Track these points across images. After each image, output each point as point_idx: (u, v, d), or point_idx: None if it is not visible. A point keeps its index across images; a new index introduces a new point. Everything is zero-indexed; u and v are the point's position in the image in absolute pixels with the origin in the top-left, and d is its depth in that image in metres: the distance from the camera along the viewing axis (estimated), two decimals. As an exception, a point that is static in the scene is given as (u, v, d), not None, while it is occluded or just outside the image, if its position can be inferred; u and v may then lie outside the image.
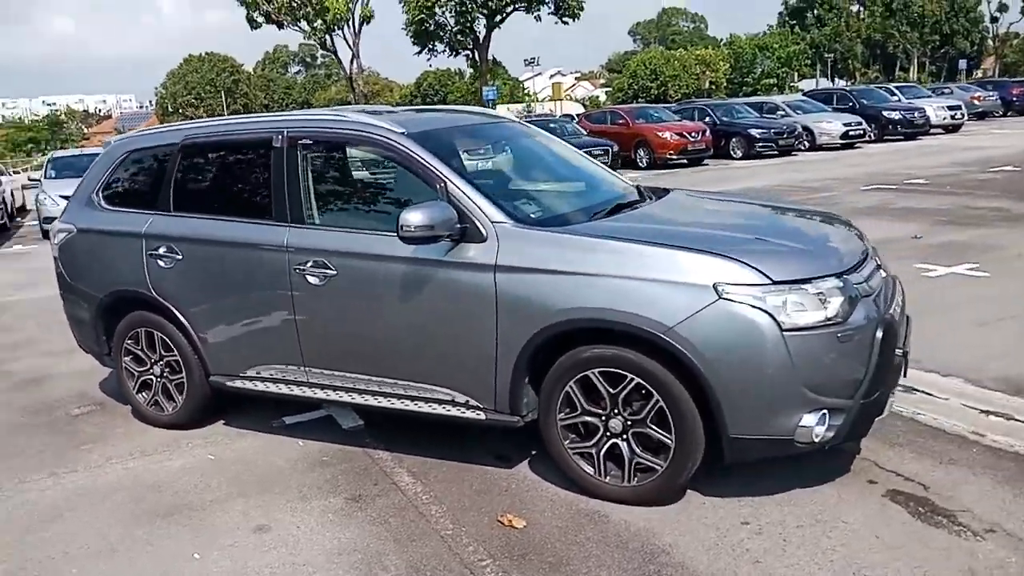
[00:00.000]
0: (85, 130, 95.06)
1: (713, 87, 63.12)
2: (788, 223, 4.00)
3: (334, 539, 3.24)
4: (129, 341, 4.53)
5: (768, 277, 3.05)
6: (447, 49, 38.07)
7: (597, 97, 77.52)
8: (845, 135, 20.54)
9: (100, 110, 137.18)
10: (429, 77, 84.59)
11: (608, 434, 3.33)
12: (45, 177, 15.38)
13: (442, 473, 3.75)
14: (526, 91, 75.83)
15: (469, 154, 4.38)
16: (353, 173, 4.13)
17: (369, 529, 3.30)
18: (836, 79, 67.50)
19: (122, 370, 4.62)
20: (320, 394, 3.97)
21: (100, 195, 4.66)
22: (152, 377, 4.52)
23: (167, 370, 4.45)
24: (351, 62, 36.97)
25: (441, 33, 37.94)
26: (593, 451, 3.37)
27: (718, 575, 2.82)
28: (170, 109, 71.99)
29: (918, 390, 4.34)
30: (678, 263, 3.14)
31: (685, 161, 19.88)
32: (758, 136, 19.92)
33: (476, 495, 3.53)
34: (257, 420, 4.51)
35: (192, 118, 38.26)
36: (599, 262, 3.25)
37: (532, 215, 3.65)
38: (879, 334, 3.13)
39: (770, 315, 3.00)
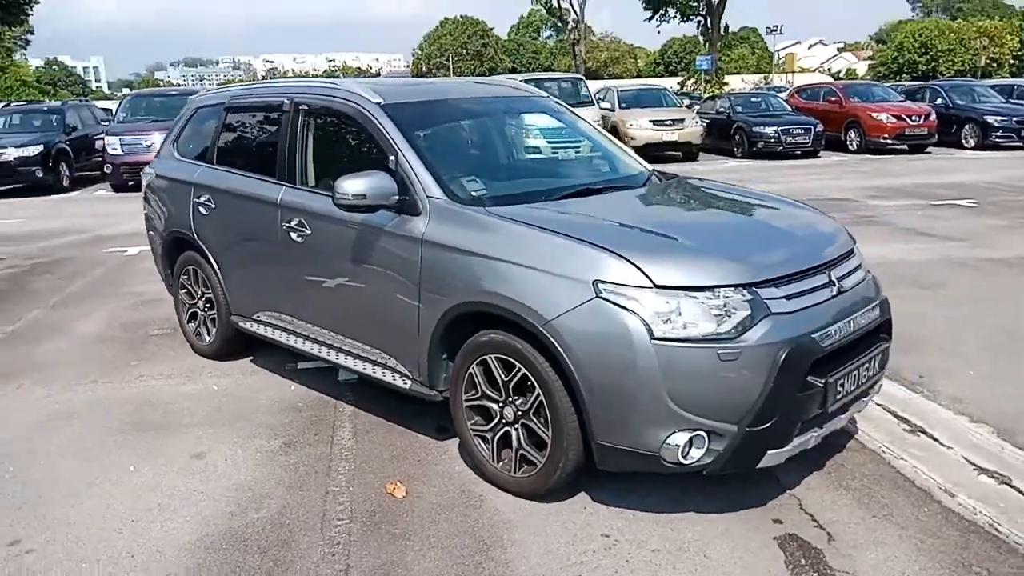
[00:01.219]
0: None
1: (993, 65, 55.75)
2: (746, 224, 3.64)
3: (244, 476, 3.55)
4: (184, 276, 5.15)
5: (651, 280, 2.85)
6: (679, 15, 36.80)
7: (854, 70, 71.26)
8: (1113, 130, 17.35)
9: (371, 68, 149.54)
10: (674, 44, 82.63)
11: (503, 421, 3.31)
12: None
13: (379, 435, 3.93)
14: (777, 61, 71.67)
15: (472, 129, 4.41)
16: (343, 139, 4.31)
17: (277, 473, 3.58)
18: None
19: (178, 301, 5.28)
20: (297, 344, 4.29)
21: (174, 145, 5.29)
22: (198, 310, 5.11)
23: (207, 305, 5.01)
24: (574, 27, 36.97)
25: (674, -4, 36.68)
26: (489, 435, 3.37)
27: (533, 580, 2.76)
28: (424, 69, 76.94)
29: (925, 432, 3.80)
30: (569, 255, 3.03)
31: (905, 147, 17.93)
32: (996, 124, 17.45)
33: (391, 460, 3.67)
34: (276, 362, 4.96)
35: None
36: (502, 246, 3.21)
37: (474, 193, 3.62)
38: (781, 358, 2.82)
39: (643, 321, 2.82)
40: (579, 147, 4.56)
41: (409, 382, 3.66)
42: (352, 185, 3.46)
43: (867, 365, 3.23)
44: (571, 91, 17.32)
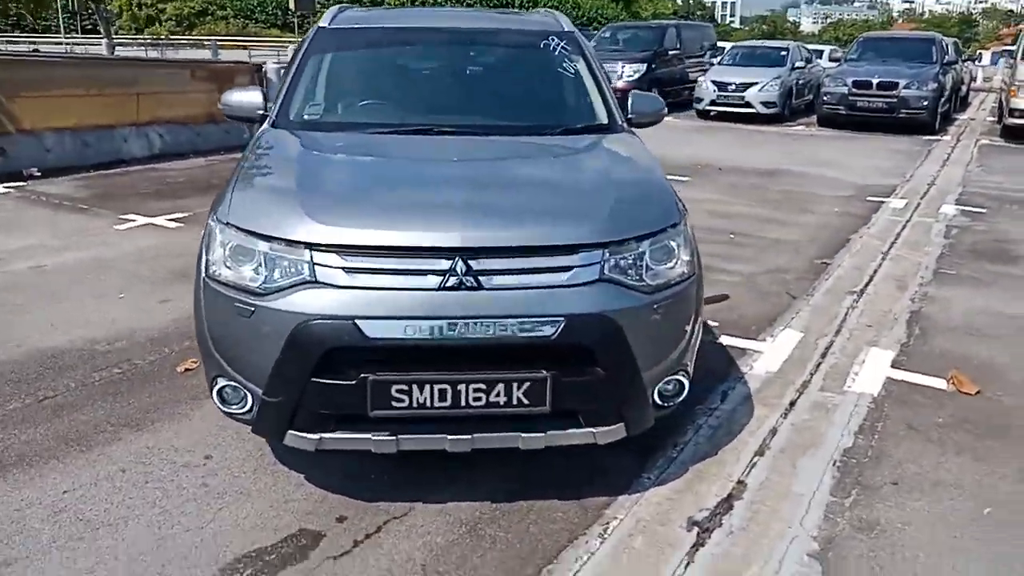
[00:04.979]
0: (1001, 29, 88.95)
1: None
2: (432, 188, 2.98)
3: (159, 322, 4.36)
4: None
5: (228, 216, 2.73)
6: None
7: None
8: None
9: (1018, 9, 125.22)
10: None
11: None
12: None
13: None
14: None
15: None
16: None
17: (151, 319, 4.38)
18: None
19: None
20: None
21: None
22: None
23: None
24: None
25: None
26: None
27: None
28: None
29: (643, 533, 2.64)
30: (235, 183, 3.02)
31: None
32: None
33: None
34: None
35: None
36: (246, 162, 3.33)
37: (306, 117, 3.66)
38: (294, 331, 2.46)
39: (205, 255, 2.74)
40: (539, 90, 4.05)
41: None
42: (226, 96, 3.85)
43: (486, 387, 2.49)
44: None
